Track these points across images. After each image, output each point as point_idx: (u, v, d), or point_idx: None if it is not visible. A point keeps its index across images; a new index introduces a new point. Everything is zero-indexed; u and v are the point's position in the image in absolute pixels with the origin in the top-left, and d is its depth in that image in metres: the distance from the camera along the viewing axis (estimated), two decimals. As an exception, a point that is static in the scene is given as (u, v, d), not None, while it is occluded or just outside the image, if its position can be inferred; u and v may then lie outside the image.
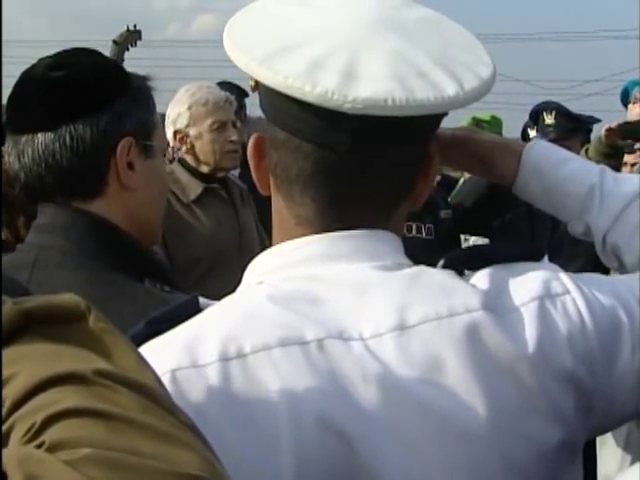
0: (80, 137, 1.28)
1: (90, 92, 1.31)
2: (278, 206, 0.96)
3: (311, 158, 0.90)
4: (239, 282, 0.96)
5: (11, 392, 0.62)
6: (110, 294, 1.24)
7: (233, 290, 0.95)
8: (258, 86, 0.95)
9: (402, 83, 0.87)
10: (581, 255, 2.91)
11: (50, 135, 1.29)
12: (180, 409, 0.64)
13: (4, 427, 0.61)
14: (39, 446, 0.57)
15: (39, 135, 1.29)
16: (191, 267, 2.94)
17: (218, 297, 0.94)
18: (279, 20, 0.95)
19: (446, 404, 0.85)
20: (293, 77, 0.86)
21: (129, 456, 0.56)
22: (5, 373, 0.63)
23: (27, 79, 1.34)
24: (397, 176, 0.93)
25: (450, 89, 0.89)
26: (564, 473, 0.92)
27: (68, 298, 0.68)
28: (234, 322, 0.87)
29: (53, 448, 0.57)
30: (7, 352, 0.64)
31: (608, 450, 2.96)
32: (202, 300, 0.92)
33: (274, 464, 0.81)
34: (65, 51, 1.38)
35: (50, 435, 0.58)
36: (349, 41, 0.91)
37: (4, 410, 0.61)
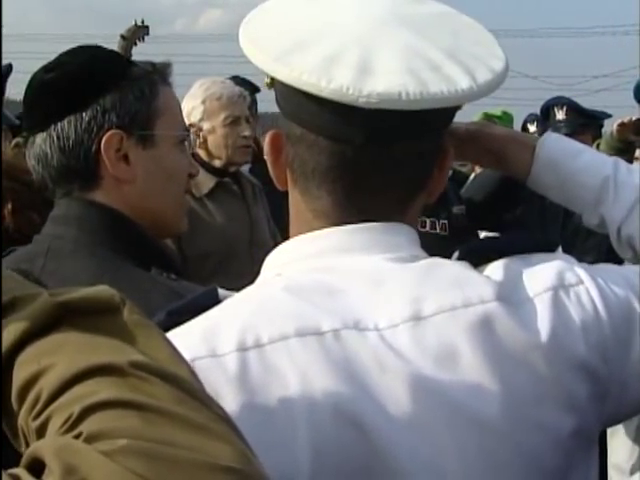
0: (66, 135, 1.33)
1: (75, 91, 1.34)
2: (295, 200, 0.97)
3: (327, 152, 0.92)
4: (250, 276, 0.98)
5: (48, 383, 0.63)
6: (118, 282, 1.25)
7: (247, 283, 0.96)
8: (274, 83, 0.96)
9: (416, 77, 0.89)
10: (593, 249, 2.92)
11: (43, 135, 1.35)
12: (214, 401, 0.65)
13: (40, 419, 0.62)
14: (76, 437, 0.58)
15: (37, 136, 1.36)
16: (203, 261, 2.95)
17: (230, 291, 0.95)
18: (294, 17, 0.97)
19: (460, 393, 0.86)
20: (308, 73, 0.88)
21: (166, 447, 0.57)
22: (42, 364, 0.64)
23: (31, 82, 1.39)
24: (412, 169, 0.94)
25: (463, 82, 0.90)
26: (579, 462, 0.93)
27: (103, 290, 0.70)
28: (252, 313, 0.88)
29: (90, 439, 0.58)
30: (43, 343, 0.66)
31: (618, 440, 2.96)
32: (221, 291, 0.94)
33: (291, 453, 0.82)
34: (67, 51, 1.42)
35: (87, 426, 0.59)
36: (363, 37, 0.92)
37: (41, 401, 0.63)
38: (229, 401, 0.82)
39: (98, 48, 1.44)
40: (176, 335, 0.87)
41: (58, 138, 1.33)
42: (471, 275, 0.92)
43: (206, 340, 0.86)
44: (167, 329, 0.88)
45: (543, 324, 0.89)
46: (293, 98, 0.92)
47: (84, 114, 1.33)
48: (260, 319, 0.87)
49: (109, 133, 1.33)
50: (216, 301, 0.92)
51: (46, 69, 1.37)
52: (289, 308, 0.88)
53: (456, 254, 0.96)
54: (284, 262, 0.95)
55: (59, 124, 1.33)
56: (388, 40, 0.92)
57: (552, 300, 0.91)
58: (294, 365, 0.84)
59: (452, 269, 0.93)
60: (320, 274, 0.91)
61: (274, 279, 0.93)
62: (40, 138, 1.35)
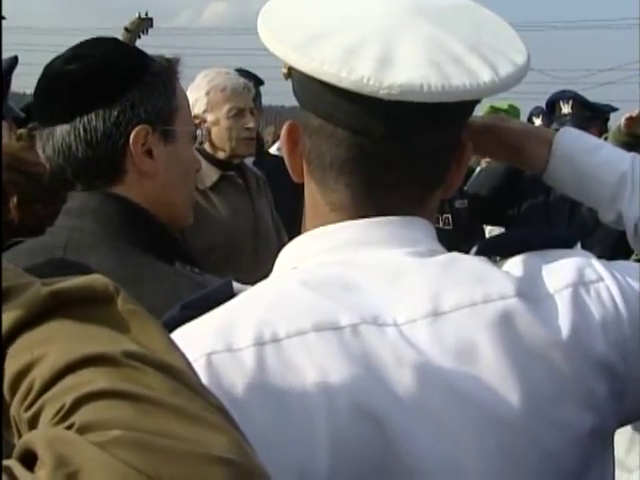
0: (93, 129, 1.32)
1: (102, 84, 1.34)
2: (311, 192, 0.96)
3: (345, 144, 0.90)
4: (254, 269, 0.96)
5: (40, 373, 0.62)
6: (143, 276, 1.26)
7: (251, 276, 0.95)
8: (291, 73, 0.95)
9: (438, 69, 0.88)
10: (598, 244, 2.91)
11: (66, 128, 1.33)
12: (209, 391, 0.64)
13: (32, 410, 0.61)
14: (69, 427, 0.58)
15: (58, 128, 1.34)
16: (207, 254, 2.93)
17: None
18: (314, 7, 0.96)
19: (479, 390, 0.85)
20: (329, 63, 0.87)
21: (159, 438, 0.57)
22: (34, 354, 0.63)
23: (47, 72, 1.38)
24: (431, 163, 0.93)
25: (485, 75, 0.89)
26: (596, 460, 0.92)
27: (97, 279, 0.68)
28: (268, 307, 0.87)
29: (83, 430, 0.57)
30: (36, 333, 0.65)
31: (617, 434, 2.95)
32: (236, 285, 0.93)
33: (309, 449, 0.81)
34: (84, 42, 1.41)
35: (80, 416, 0.58)
36: (383, 28, 0.91)
37: (33, 392, 0.62)
38: (246, 396, 0.81)
39: (115, 40, 1.45)
40: (191, 329, 0.86)
41: (85, 131, 1.32)
42: (490, 270, 0.91)
43: (222, 335, 0.85)
44: (181, 322, 0.87)
45: (563, 321, 0.88)
46: (312, 89, 0.91)
47: (112, 107, 1.32)
48: (277, 314, 0.86)
49: (138, 128, 1.33)
50: (231, 295, 0.91)
51: (66, 60, 1.35)
52: (306, 303, 0.86)
53: (474, 249, 0.95)
54: (300, 256, 0.94)
55: (85, 117, 1.32)
56: (410, 32, 0.91)
57: (572, 297, 0.90)
58: (312, 360, 0.83)
59: (471, 264, 0.92)
60: (338, 268, 0.90)
61: (290, 273, 0.92)
62: (62, 130, 1.34)
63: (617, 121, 3.61)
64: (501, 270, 0.91)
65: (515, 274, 0.90)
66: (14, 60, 2.78)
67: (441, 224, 3.73)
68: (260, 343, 0.83)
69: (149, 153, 1.35)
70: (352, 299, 0.87)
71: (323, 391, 0.82)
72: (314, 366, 0.83)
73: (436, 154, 0.93)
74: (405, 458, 0.83)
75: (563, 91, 4.31)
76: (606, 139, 3.42)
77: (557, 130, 1.13)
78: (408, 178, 0.92)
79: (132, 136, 1.32)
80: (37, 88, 1.39)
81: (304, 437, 0.81)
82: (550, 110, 4.27)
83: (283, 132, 0.97)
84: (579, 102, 4.10)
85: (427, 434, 0.84)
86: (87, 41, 1.41)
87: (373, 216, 0.92)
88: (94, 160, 1.33)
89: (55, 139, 1.34)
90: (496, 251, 0.94)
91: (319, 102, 0.91)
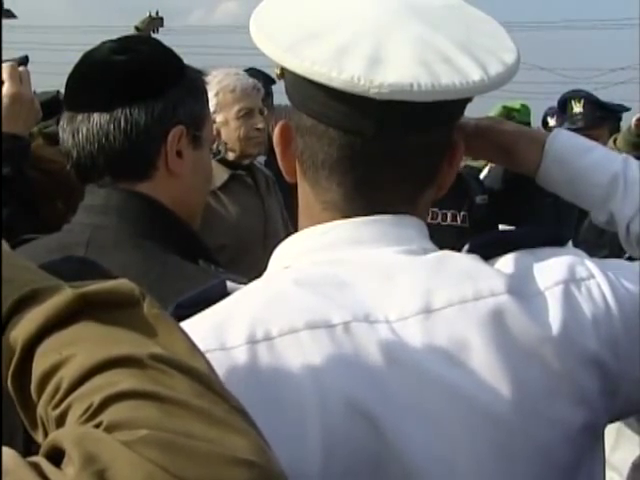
0: (134, 121, 1.31)
1: (148, 78, 1.34)
2: (304, 192, 0.97)
3: (337, 144, 0.91)
4: (265, 268, 0.97)
5: (68, 373, 0.64)
6: (168, 274, 1.27)
7: (259, 275, 0.96)
8: (284, 74, 0.96)
9: (428, 68, 0.88)
10: (608, 244, 2.90)
11: (105, 116, 1.32)
12: (231, 395, 0.66)
13: (60, 408, 0.63)
14: (97, 426, 0.59)
15: (95, 115, 1.32)
16: (217, 253, 2.93)
17: (244, 283, 0.95)
18: (305, 7, 0.97)
19: (471, 387, 0.86)
20: (319, 63, 0.88)
21: (184, 438, 0.58)
22: (63, 354, 0.65)
23: (89, 60, 1.37)
24: (422, 162, 0.94)
25: (475, 74, 0.90)
26: (588, 456, 0.92)
27: (124, 284, 0.70)
28: (261, 306, 0.88)
29: (110, 428, 0.58)
30: (64, 335, 0.66)
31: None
32: (229, 284, 0.94)
33: (302, 446, 0.81)
34: (129, 37, 1.44)
35: (107, 416, 0.59)
36: (374, 27, 0.92)
37: (61, 391, 0.63)
38: (239, 394, 0.81)
39: (157, 40, 1.46)
40: (185, 328, 0.86)
41: (125, 121, 1.31)
42: (482, 268, 0.91)
43: (216, 333, 0.86)
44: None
45: (554, 318, 0.89)
46: (304, 89, 0.92)
47: (156, 103, 1.32)
48: (270, 312, 0.87)
49: (177, 128, 1.33)
50: (225, 294, 0.92)
51: (112, 50, 1.35)
52: (299, 301, 0.87)
53: (466, 247, 0.95)
54: (293, 255, 0.95)
55: (127, 108, 1.31)
56: (400, 32, 0.92)
57: (563, 294, 0.90)
58: (304, 358, 0.84)
59: (462, 262, 0.92)
60: (330, 267, 0.91)
61: (283, 272, 0.93)
62: (101, 118, 1.32)
63: (629, 121, 3.59)
64: (492, 267, 0.92)
65: (506, 271, 0.91)
66: (24, 60, 2.80)
67: (459, 222, 3.71)
68: (253, 341, 0.84)
69: (179, 154, 1.35)
70: (344, 297, 0.88)
71: (315, 389, 0.82)
72: (307, 364, 0.83)
73: (427, 153, 0.93)
74: (398, 456, 0.83)
75: (575, 90, 4.29)
76: (616, 140, 3.40)
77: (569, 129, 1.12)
78: (400, 177, 0.93)
79: (171, 135, 1.33)
80: (74, 73, 1.37)
81: (296, 435, 0.81)
82: (562, 109, 4.25)
83: (276, 132, 0.98)
84: (591, 101, 4.08)
85: (420, 432, 0.84)
86: (131, 37, 1.44)
87: (365, 215, 0.93)
88: (129, 152, 1.32)
89: (91, 126, 1.32)
90: (487, 249, 0.94)
91: (311, 102, 0.92)
